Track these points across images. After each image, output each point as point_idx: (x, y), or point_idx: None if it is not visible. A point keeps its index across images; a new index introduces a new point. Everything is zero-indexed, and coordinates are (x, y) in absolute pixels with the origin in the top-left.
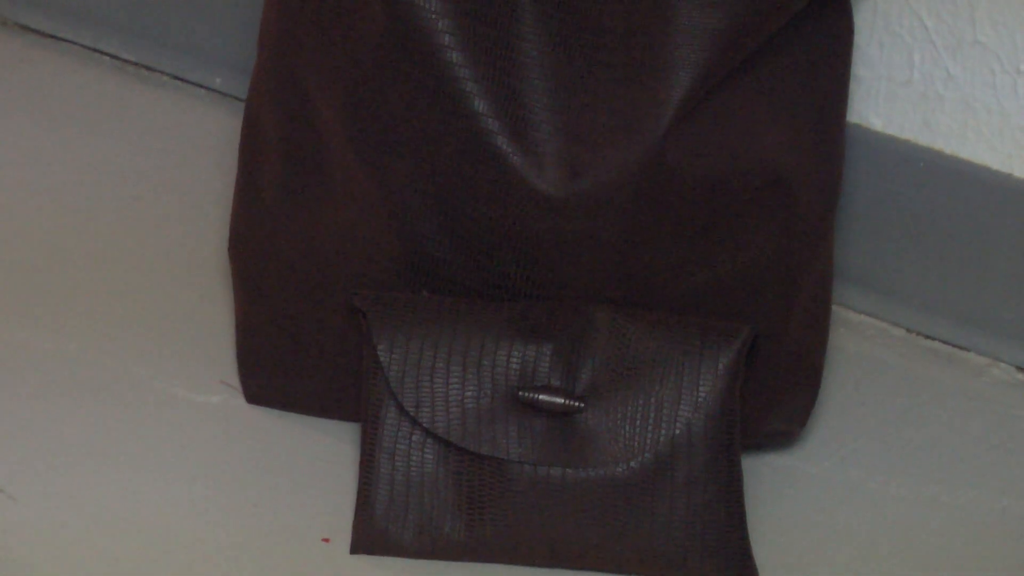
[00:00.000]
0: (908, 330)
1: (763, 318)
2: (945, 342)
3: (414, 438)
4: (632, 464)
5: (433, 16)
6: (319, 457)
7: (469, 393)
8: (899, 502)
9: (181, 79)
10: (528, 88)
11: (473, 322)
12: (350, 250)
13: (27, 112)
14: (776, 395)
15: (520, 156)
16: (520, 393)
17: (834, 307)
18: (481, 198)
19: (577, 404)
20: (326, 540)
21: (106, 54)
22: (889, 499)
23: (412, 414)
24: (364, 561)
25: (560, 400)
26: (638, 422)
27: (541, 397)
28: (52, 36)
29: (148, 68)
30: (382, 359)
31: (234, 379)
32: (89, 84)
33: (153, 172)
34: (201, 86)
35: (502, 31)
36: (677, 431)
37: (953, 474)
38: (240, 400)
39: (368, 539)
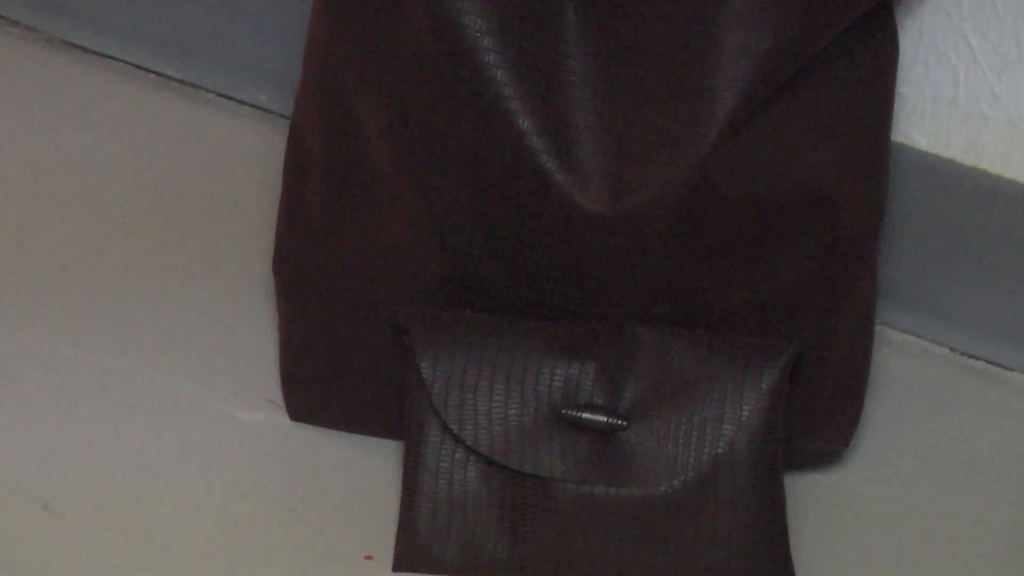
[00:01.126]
0: (952, 349)
1: (807, 337)
2: (989, 362)
3: (457, 456)
4: (675, 483)
5: (478, 34)
6: (362, 474)
7: (512, 411)
8: (944, 521)
9: (226, 96)
10: (573, 106)
11: (517, 340)
12: (394, 267)
13: (74, 129)
14: (819, 414)
15: (564, 174)
16: (563, 411)
17: (878, 326)
18: (526, 216)
19: (620, 422)
20: (369, 557)
21: (151, 71)
22: (934, 518)
23: (455, 432)
24: None
25: (603, 418)
26: (681, 440)
27: (584, 415)
28: (97, 53)
29: (193, 85)
30: (425, 377)
31: (278, 396)
32: (134, 101)
33: (198, 189)
34: (246, 103)
35: (547, 49)
36: (720, 450)
37: (998, 493)
38: (284, 417)
39: (411, 557)
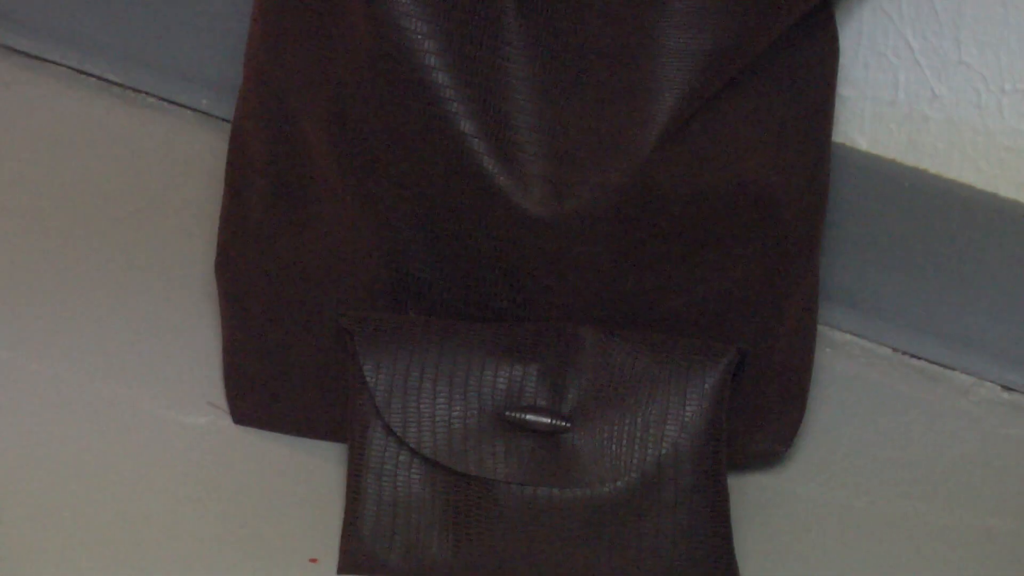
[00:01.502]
0: (894, 349)
1: (749, 338)
2: (931, 361)
3: (401, 458)
4: (619, 484)
5: (419, 37)
6: (306, 477)
7: (456, 413)
8: (885, 522)
9: (167, 100)
10: (514, 109)
11: (459, 343)
12: (336, 270)
13: (13, 133)
14: (762, 415)
15: (506, 177)
16: (507, 413)
17: (820, 327)
18: (467, 219)
19: (563, 424)
20: (313, 560)
21: (92, 75)
22: (875, 519)
23: (399, 434)
24: None
25: (546, 420)
26: (624, 442)
27: (528, 417)
28: (38, 58)
29: (134, 90)
30: (368, 379)
31: (221, 400)
32: (75, 105)
33: (139, 193)
34: (188, 107)
35: (488, 52)
36: (663, 451)
37: (940, 493)
38: (227, 421)
39: (355, 560)
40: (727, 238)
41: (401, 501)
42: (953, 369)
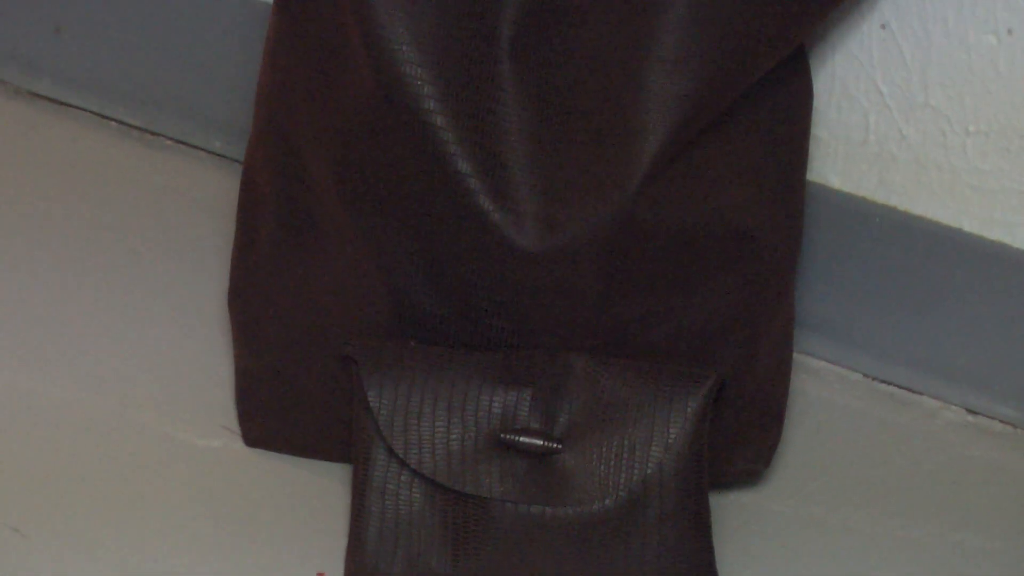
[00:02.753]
0: (865, 375)
1: (729, 364)
2: (900, 386)
3: (402, 478)
4: (607, 502)
5: (419, 82)
6: (314, 496)
7: (454, 436)
8: (858, 537)
9: (183, 142)
10: (508, 150)
11: (457, 369)
12: (342, 302)
13: (39, 173)
14: (742, 436)
15: (500, 213)
16: (502, 436)
17: (795, 354)
18: (464, 253)
19: (555, 446)
20: (321, 574)
21: (112, 119)
22: (849, 534)
23: (400, 455)
24: None
25: (539, 442)
26: (612, 462)
27: (521, 439)
28: (63, 103)
29: (152, 132)
30: (372, 404)
31: (234, 424)
32: (97, 148)
33: (157, 230)
34: (201, 149)
35: (483, 96)
36: (649, 471)
37: (909, 510)
38: (240, 444)
39: (360, 573)
40: (708, 271)
41: (403, 518)
42: (921, 394)
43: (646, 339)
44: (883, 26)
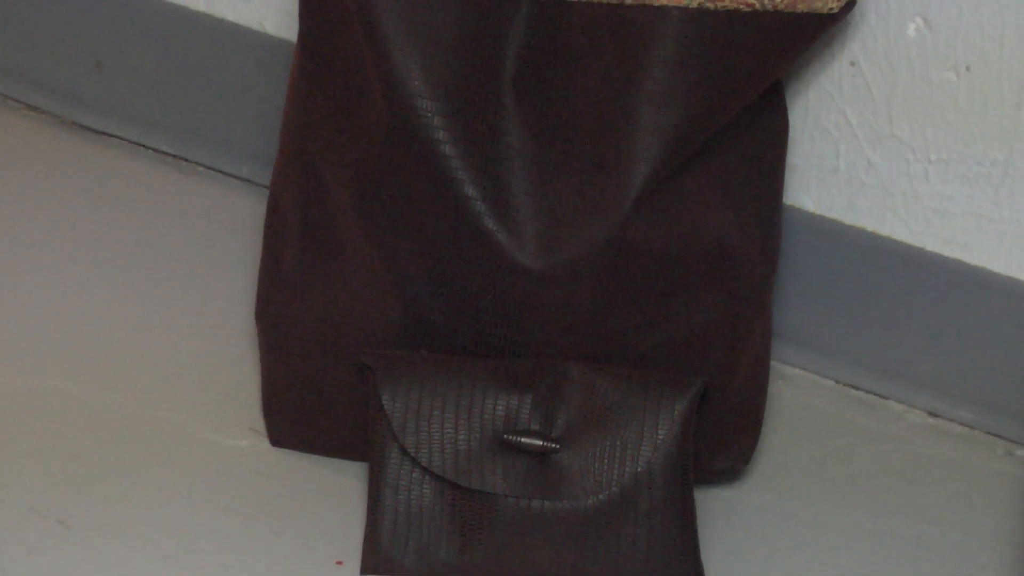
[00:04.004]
0: (836, 381)
1: (712, 372)
2: (868, 391)
3: (414, 475)
4: (601, 497)
5: (429, 114)
6: (333, 491)
7: (461, 436)
8: (829, 529)
9: (214, 169)
10: (511, 176)
11: (465, 376)
12: (359, 315)
13: (82, 198)
14: (724, 437)
15: (504, 234)
16: (505, 436)
17: (773, 362)
18: (471, 270)
19: (554, 446)
20: (339, 563)
21: (149, 148)
22: (820, 526)
23: (412, 454)
24: None
25: (539, 442)
26: (606, 461)
27: (523, 440)
28: (103, 132)
29: (185, 160)
30: (386, 407)
31: (260, 426)
32: (135, 174)
33: (190, 249)
34: (231, 175)
35: (488, 127)
36: (639, 468)
37: (875, 505)
38: (266, 443)
39: (375, 562)
40: (693, 287)
41: (414, 512)
42: (887, 398)
43: (637, 349)
44: (852, 64)
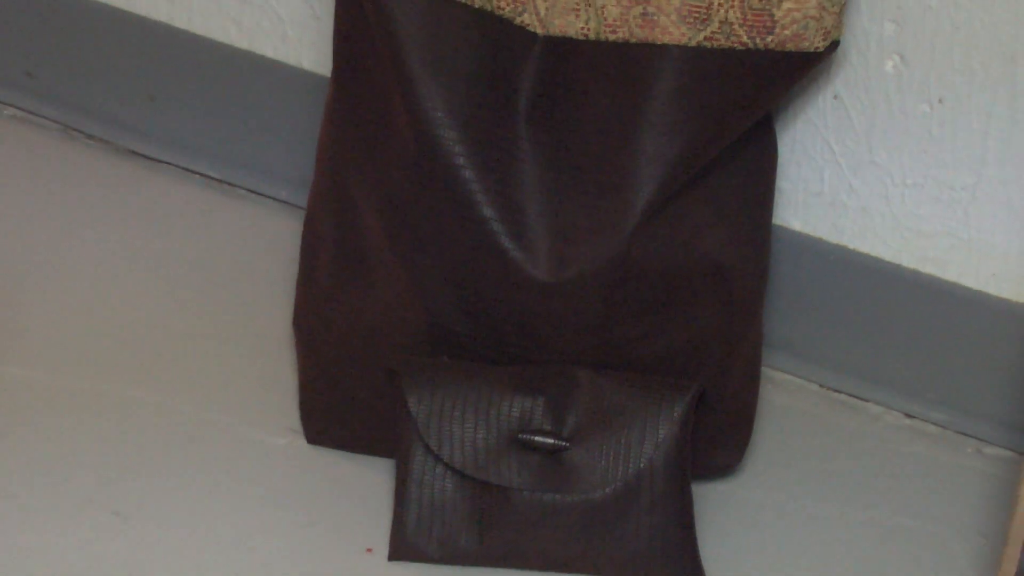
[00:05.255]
0: (821, 385)
1: (708, 376)
2: (849, 395)
3: (437, 471)
4: (607, 491)
5: (451, 143)
6: (363, 485)
7: (480, 435)
8: (815, 519)
9: (255, 192)
10: (525, 198)
11: (483, 380)
12: (388, 324)
13: (136, 219)
14: (718, 436)
15: (519, 251)
16: (520, 435)
17: (763, 368)
18: (489, 284)
19: (564, 444)
20: (369, 550)
21: (196, 173)
22: (807, 517)
23: (435, 452)
24: (399, 567)
25: (551, 441)
26: (611, 458)
27: (536, 438)
28: (154, 159)
29: (229, 184)
30: (412, 409)
31: (297, 425)
32: (184, 197)
33: (234, 264)
34: (271, 197)
35: (504, 154)
36: (642, 464)
37: (857, 497)
38: (302, 441)
39: (401, 549)
40: (691, 299)
41: (437, 504)
42: (867, 401)
43: (639, 355)
44: (835, 97)
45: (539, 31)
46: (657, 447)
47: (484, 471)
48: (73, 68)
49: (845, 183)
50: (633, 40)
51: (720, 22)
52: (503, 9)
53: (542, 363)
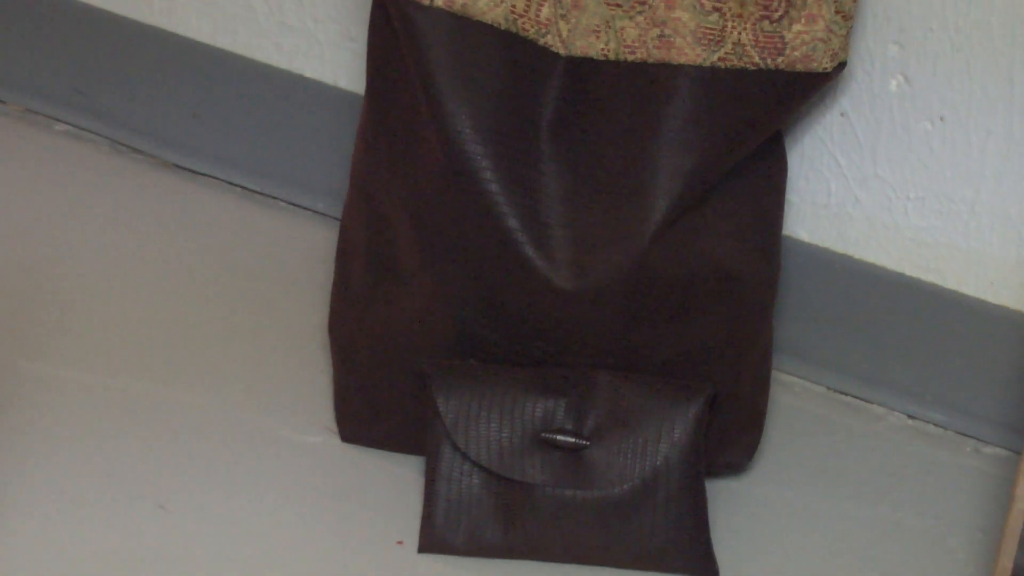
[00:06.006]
0: (827, 388)
1: (720, 379)
2: (854, 397)
3: (464, 468)
4: (625, 487)
5: (478, 157)
6: (395, 481)
7: (504, 435)
8: (820, 515)
9: (293, 204)
10: (548, 210)
11: (508, 382)
12: (417, 330)
13: (180, 229)
14: (731, 436)
15: (542, 260)
16: (543, 435)
17: (773, 371)
18: (513, 291)
19: (584, 443)
20: (400, 542)
21: (238, 186)
22: (813, 513)
23: (463, 450)
24: (428, 558)
25: (572, 440)
26: (629, 456)
27: (558, 438)
28: (197, 172)
29: (269, 196)
30: (441, 409)
31: (332, 424)
32: (226, 208)
33: (273, 272)
34: (308, 209)
35: (528, 168)
36: (658, 462)
37: (860, 494)
38: (337, 440)
39: (431, 542)
40: (704, 306)
41: (464, 499)
42: (870, 403)
43: (656, 359)
44: (842, 114)
45: (561, 52)
46: (672, 446)
47: (509, 468)
48: (121, 86)
49: (851, 196)
50: (651, 60)
51: (733, 43)
52: (527, 31)
53: (563, 366)
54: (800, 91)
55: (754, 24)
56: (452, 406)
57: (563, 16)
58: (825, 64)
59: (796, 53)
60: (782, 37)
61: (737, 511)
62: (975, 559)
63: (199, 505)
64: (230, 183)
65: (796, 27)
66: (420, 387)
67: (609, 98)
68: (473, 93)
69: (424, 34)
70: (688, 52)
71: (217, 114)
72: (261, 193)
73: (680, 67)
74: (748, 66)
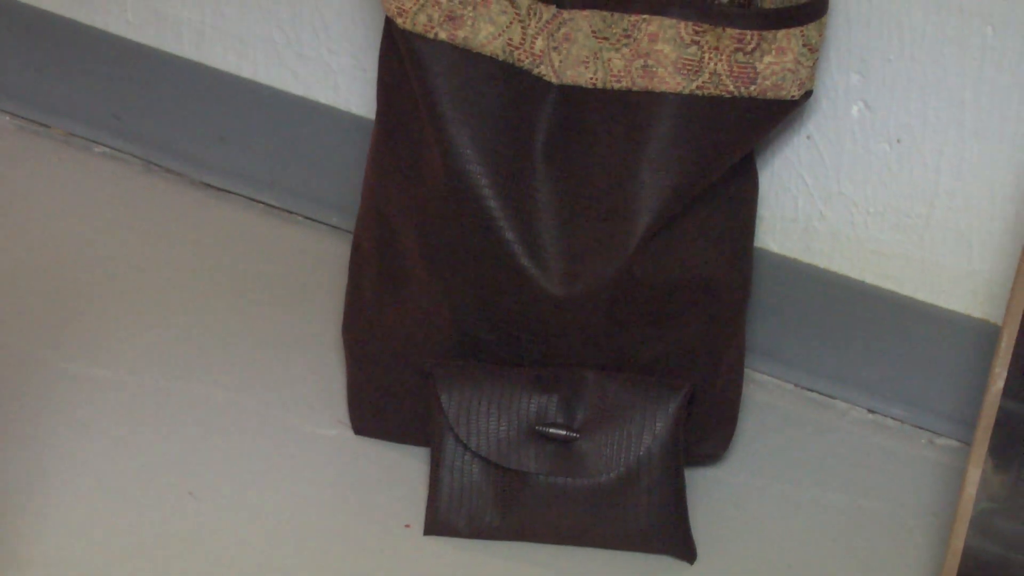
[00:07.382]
0: (795, 385)
1: (698, 377)
2: (820, 393)
3: (465, 458)
4: (611, 475)
5: (478, 176)
6: (402, 470)
7: (502, 428)
8: (790, 501)
9: (310, 218)
10: (541, 224)
11: (505, 380)
12: (422, 332)
13: (206, 241)
14: (707, 429)
15: (536, 269)
16: (537, 428)
17: (746, 369)
18: (509, 297)
19: (575, 435)
20: (407, 526)
21: (260, 202)
22: (783, 499)
23: (464, 441)
24: (432, 540)
25: (563, 432)
26: (615, 447)
27: (551, 430)
28: (223, 190)
29: (288, 211)
30: (444, 404)
31: (346, 418)
32: (248, 222)
33: (291, 280)
34: (323, 223)
35: (524, 186)
36: (641, 453)
37: (826, 482)
38: (350, 433)
39: (435, 525)
40: (683, 311)
41: (466, 487)
42: (835, 399)
43: (639, 359)
44: (808, 137)
45: (554, 80)
46: (654, 438)
47: (506, 458)
48: (154, 112)
49: (816, 211)
50: (635, 88)
51: (710, 73)
52: (523, 62)
53: (555, 366)
54: (770, 116)
55: (729, 56)
56: (454, 402)
57: (555, 48)
58: (793, 92)
59: (767, 82)
60: (754, 68)
61: (714, 497)
62: (930, 540)
63: (225, 492)
64: (253, 199)
65: (767, 59)
66: (425, 384)
67: (597, 123)
68: (473, 118)
69: (429, 65)
70: (669, 81)
71: (241, 137)
72: (281, 208)
73: (662, 95)
74: (724, 94)
